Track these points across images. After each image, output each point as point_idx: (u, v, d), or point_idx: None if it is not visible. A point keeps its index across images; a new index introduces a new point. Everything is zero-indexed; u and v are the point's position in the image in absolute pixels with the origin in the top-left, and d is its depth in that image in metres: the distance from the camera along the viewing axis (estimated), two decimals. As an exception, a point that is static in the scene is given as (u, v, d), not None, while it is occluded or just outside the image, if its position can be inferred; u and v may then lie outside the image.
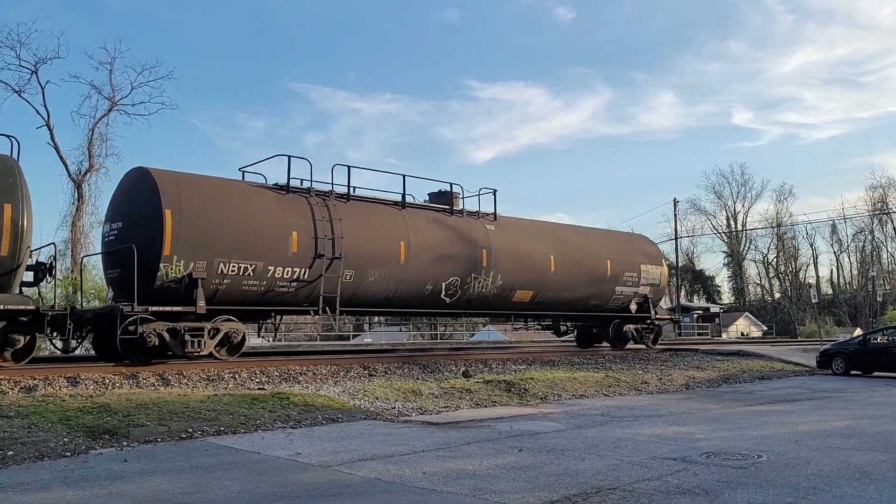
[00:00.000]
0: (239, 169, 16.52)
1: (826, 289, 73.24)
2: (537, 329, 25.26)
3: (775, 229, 74.31)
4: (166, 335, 13.56)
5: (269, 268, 14.81)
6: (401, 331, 43.40)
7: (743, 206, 77.29)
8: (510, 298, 19.92)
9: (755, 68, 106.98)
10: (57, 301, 14.24)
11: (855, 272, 74.99)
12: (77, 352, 15.18)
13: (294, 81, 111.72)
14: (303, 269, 15.33)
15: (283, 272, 15.03)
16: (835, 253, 76.30)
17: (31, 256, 13.41)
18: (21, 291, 13.08)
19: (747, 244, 77.54)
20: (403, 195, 18.13)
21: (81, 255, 28.97)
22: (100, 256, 16.10)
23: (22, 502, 5.45)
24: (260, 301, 15.12)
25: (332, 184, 16.75)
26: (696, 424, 9.75)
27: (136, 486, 5.90)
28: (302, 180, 16.39)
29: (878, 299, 59.45)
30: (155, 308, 13.43)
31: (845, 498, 5.45)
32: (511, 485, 5.94)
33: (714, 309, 60.26)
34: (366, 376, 14.33)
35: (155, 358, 13.92)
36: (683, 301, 61.26)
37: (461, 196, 19.68)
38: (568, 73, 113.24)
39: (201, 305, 13.67)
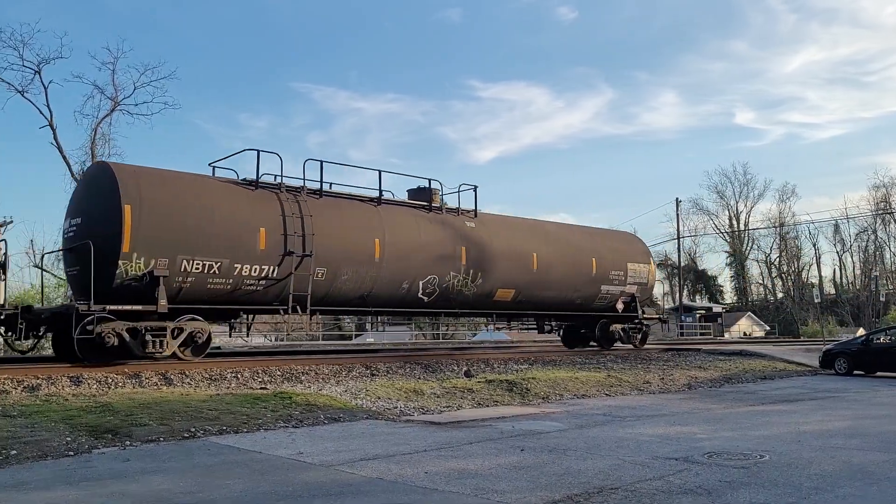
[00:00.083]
0: (209, 164, 16.20)
1: (829, 289, 73.27)
2: (521, 329, 24.71)
3: (778, 229, 74.31)
4: (126, 335, 13.11)
5: (236, 265, 14.34)
6: (406, 329, 43.41)
7: (745, 205, 77.42)
8: (491, 297, 19.36)
9: (758, 68, 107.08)
10: (6, 300, 13.83)
11: (858, 272, 74.98)
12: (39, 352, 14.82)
13: (296, 81, 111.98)
14: (271, 267, 14.86)
15: (250, 270, 14.56)
16: (838, 253, 76.28)
17: None
18: None
19: (750, 244, 77.53)
20: (380, 191, 17.54)
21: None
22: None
23: (24, 501, 5.46)
24: (227, 300, 14.66)
25: (304, 179, 16.22)
26: (699, 424, 9.75)
27: (139, 486, 5.90)
28: (276, 176, 15.91)
29: (881, 299, 59.49)
30: (113, 307, 13.03)
31: (847, 498, 5.45)
32: (513, 484, 5.93)
33: (716, 309, 60.35)
34: (368, 376, 14.33)
35: (115, 359, 13.45)
36: (686, 301, 61.29)
37: (440, 192, 19.19)
38: (570, 73, 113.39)
39: (163, 304, 13.24)
